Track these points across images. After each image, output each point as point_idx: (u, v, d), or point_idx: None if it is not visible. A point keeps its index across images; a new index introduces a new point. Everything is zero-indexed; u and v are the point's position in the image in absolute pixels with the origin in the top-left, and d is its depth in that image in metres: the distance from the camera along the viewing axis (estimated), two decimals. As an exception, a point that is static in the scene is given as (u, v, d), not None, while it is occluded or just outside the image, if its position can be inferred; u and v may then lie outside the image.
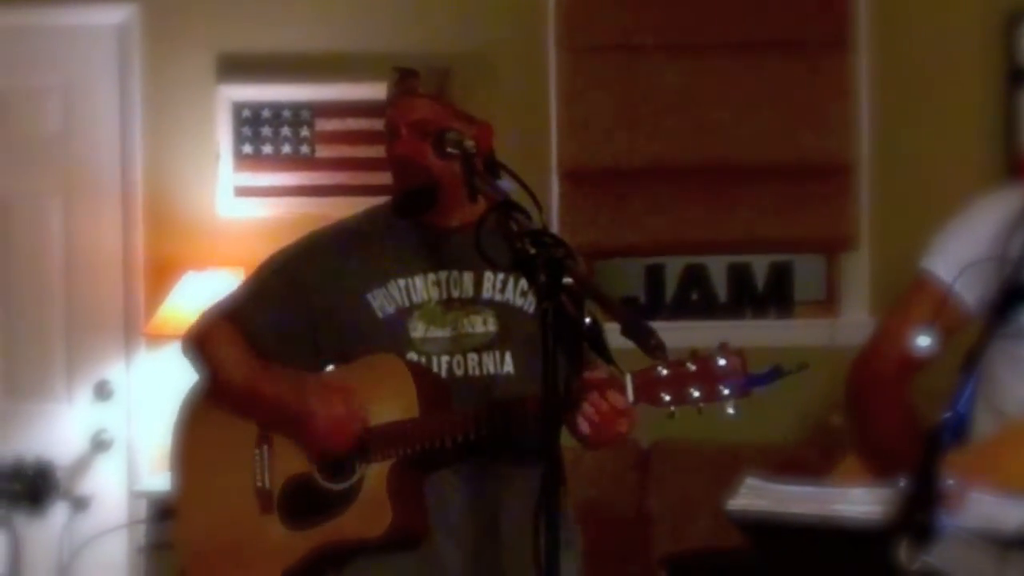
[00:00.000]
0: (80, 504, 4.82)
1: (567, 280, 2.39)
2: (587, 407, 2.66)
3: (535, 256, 2.44)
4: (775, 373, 2.66)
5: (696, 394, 2.63)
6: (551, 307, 2.36)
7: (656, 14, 5.00)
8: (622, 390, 2.66)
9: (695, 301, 5.19)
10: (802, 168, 4.99)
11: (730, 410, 2.63)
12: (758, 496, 2.16)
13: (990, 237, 2.47)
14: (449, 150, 2.78)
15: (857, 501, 2.08)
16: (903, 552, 1.97)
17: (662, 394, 2.65)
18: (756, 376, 2.65)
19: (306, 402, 2.88)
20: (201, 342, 3.05)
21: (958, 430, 2.19)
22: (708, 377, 2.63)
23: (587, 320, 2.37)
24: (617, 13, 5.01)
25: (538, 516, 2.37)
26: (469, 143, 2.77)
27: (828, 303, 5.13)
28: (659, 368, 2.64)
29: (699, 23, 4.99)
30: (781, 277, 5.19)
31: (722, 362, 2.63)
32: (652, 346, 2.33)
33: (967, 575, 1.90)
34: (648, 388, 2.65)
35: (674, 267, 5.23)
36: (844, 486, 2.20)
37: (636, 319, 2.38)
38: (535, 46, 5.04)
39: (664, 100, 4.99)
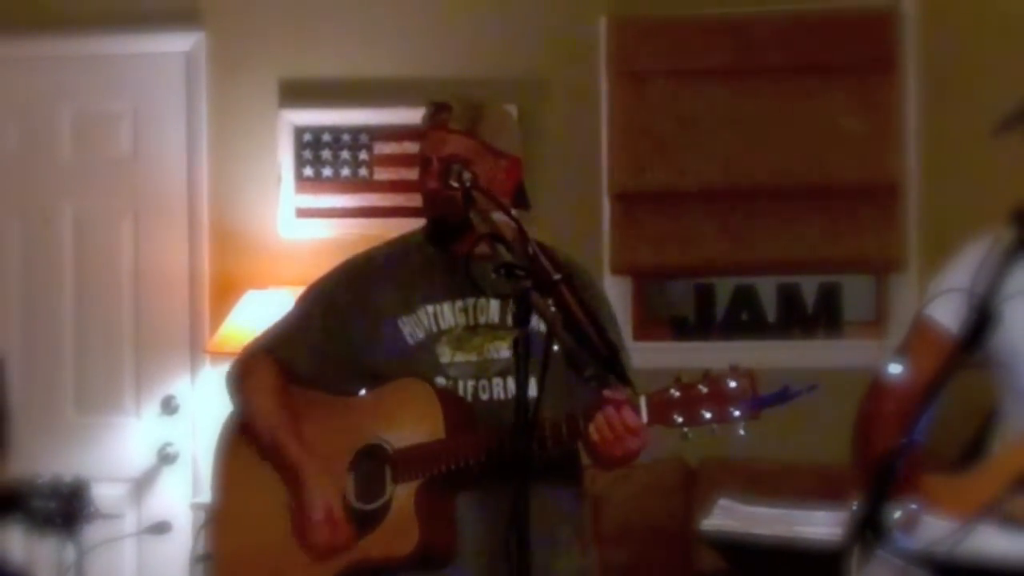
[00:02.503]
0: (160, 529, 4.98)
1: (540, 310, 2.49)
2: (600, 418, 2.74)
3: (508, 286, 2.55)
4: (785, 394, 2.71)
5: (708, 415, 2.70)
6: (521, 337, 2.45)
7: (705, 39, 5.05)
8: (637, 410, 2.74)
9: (745, 321, 5.21)
10: (851, 189, 5.00)
11: (741, 431, 2.71)
12: (729, 517, 2.24)
13: (971, 271, 2.52)
14: (451, 182, 2.88)
15: (819, 523, 2.15)
16: (853, 570, 2.04)
17: (675, 415, 2.72)
18: (765, 397, 2.70)
19: (309, 485, 3.01)
20: (240, 378, 3.18)
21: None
22: (719, 399, 2.70)
23: (555, 347, 2.45)
24: (667, 39, 5.07)
25: (509, 529, 2.47)
26: (467, 176, 2.86)
27: (877, 324, 5.13)
28: (672, 390, 2.73)
29: (747, 48, 5.02)
30: (830, 298, 5.18)
31: (733, 384, 2.70)
32: (586, 377, 2.42)
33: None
34: (661, 409, 2.73)
35: (724, 287, 5.25)
36: (820, 508, 2.27)
37: (577, 350, 2.47)
38: (587, 71, 5.10)
39: (712, 124, 5.03)
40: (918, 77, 5.00)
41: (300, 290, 4.82)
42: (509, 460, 2.82)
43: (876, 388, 2.78)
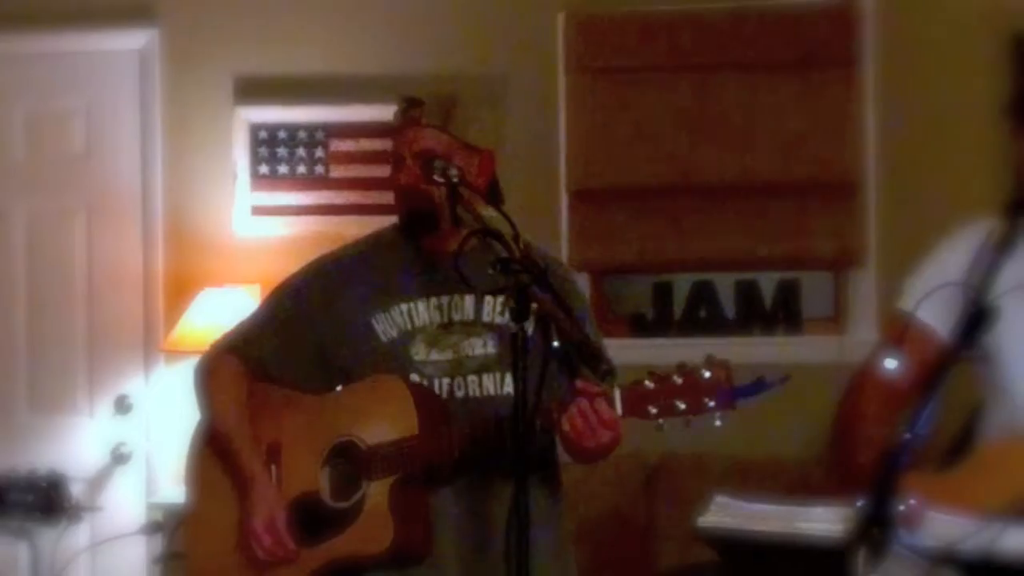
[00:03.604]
0: (152, 529, 4.92)
1: (533, 306, 2.48)
2: (573, 410, 2.73)
3: (504, 282, 2.53)
4: (760, 385, 2.73)
5: (682, 406, 2.70)
6: (520, 331, 2.44)
7: (663, 36, 5.05)
8: (611, 402, 2.74)
9: (703, 318, 5.22)
10: (810, 186, 5.03)
11: (717, 422, 2.71)
12: (726, 513, 2.23)
13: (957, 267, 2.53)
14: (435, 177, 2.86)
15: (819, 519, 2.15)
16: (859, 569, 2.04)
17: (649, 407, 2.72)
18: (741, 388, 2.71)
19: (261, 494, 3.01)
20: (205, 378, 3.16)
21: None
22: (694, 390, 2.70)
23: (555, 344, 2.44)
24: (625, 35, 5.08)
25: (510, 522, 2.46)
26: (453, 171, 2.85)
27: (836, 320, 5.16)
28: (646, 382, 2.72)
29: (706, 44, 5.04)
30: (789, 294, 5.20)
31: (707, 375, 2.70)
32: (603, 371, 2.41)
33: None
34: (636, 401, 2.73)
35: (682, 284, 5.27)
36: (819, 504, 2.27)
37: (589, 344, 2.46)
38: (545, 68, 5.10)
39: (671, 120, 5.04)
40: (876, 73, 5.03)
41: (256, 288, 4.86)
42: (484, 458, 2.84)
43: (859, 383, 2.78)
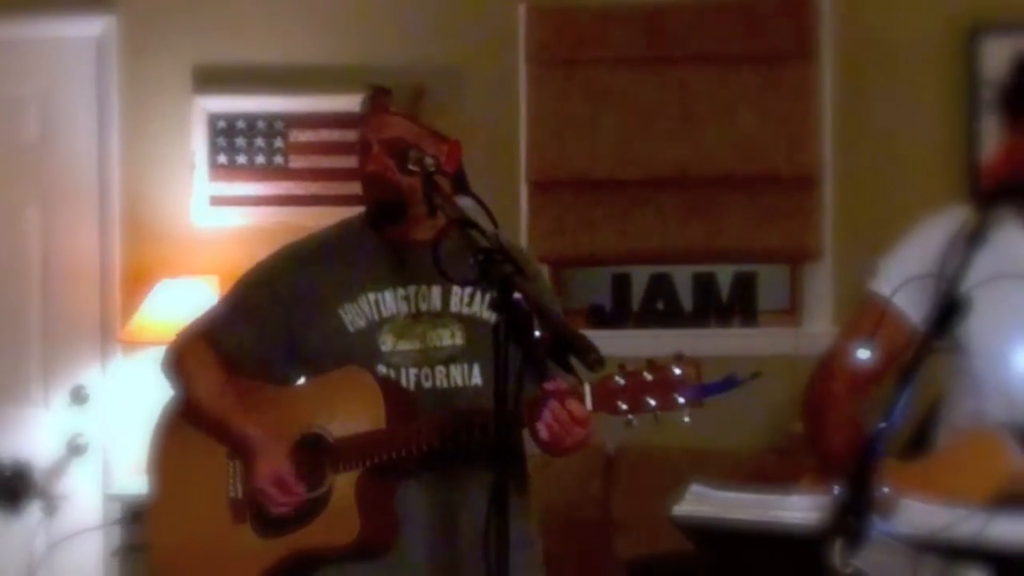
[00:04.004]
0: (58, 509, 4.91)
1: (516, 296, 2.48)
2: (547, 415, 2.74)
3: (487, 272, 2.53)
4: (729, 382, 2.75)
5: (652, 403, 2.71)
6: (502, 321, 2.44)
7: (623, 28, 5.07)
8: (581, 399, 2.74)
9: (661, 310, 5.25)
10: (767, 180, 5.06)
11: (686, 418, 2.72)
12: (702, 502, 2.25)
13: (933, 256, 2.57)
14: (410, 167, 2.86)
15: (795, 507, 2.16)
16: (836, 556, 2.06)
17: (619, 403, 2.72)
18: (711, 385, 2.73)
19: (259, 448, 2.98)
20: (177, 362, 3.14)
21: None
22: (664, 386, 2.71)
23: (537, 333, 2.44)
24: (585, 27, 5.09)
25: (488, 517, 2.46)
26: (429, 161, 2.85)
27: (791, 313, 5.20)
28: (616, 378, 2.73)
29: (665, 36, 5.05)
30: (745, 287, 5.24)
31: (678, 371, 2.71)
32: (592, 361, 2.42)
33: (887, 578, 2.00)
34: (606, 397, 2.73)
35: (640, 276, 5.30)
36: (796, 492, 2.29)
37: (577, 334, 2.47)
38: (506, 59, 5.11)
39: (631, 112, 5.06)
40: (833, 68, 5.06)
41: (214, 279, 4.84)
42: (452, 450, 2.84)
43: (826, 370, 2.81)
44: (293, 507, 2.96)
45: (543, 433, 2.76)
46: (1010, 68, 2.63)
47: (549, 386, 2.75)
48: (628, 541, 4.81)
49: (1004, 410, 2.61)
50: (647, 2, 5.09)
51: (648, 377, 2.72)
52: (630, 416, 2.73)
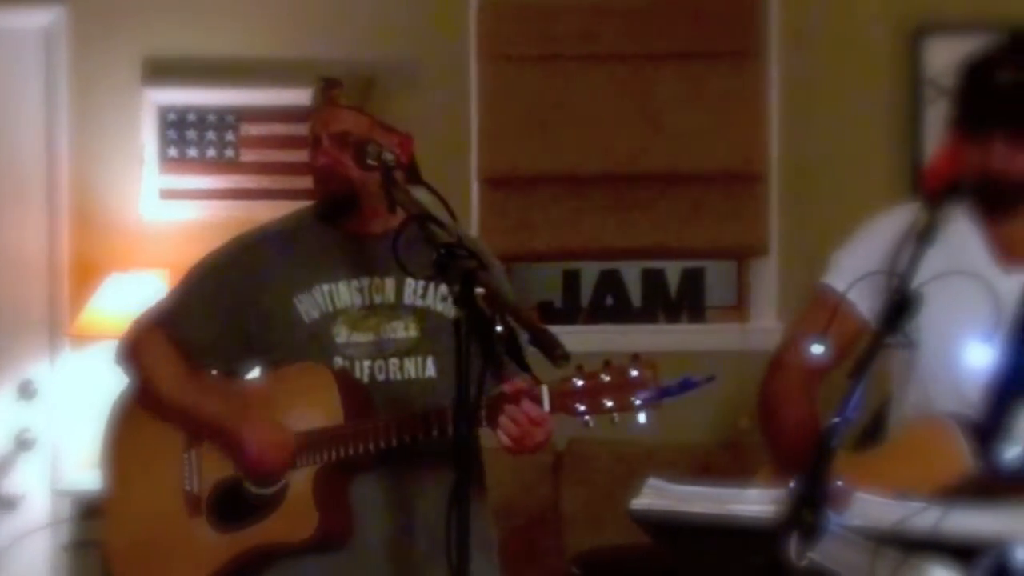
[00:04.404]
0: (6, 505, 4.88)
1: (478, 290, 2.49)
2: (505, 420, 2.75)
3: (450, 267, 2.54)
4: (686, 385, 2.77)
5: (609, 404, 2.72)
6: (464, 316, 2.46)
7: (574, 25, 5.10)
8: (538, 400, 2.76)
9: (610, 306, 5.29)
10: (715, 177, 5.10)
11: (641, 420, 2.73)
12: (660, 496, 2.28)
13: (884, 252, 2.61)
14: (369, 162, 2.86)
15: (751, 501, 2.21)
16: (792, 549, 2.10)
17: (577, 404, 2.74)
18: (668, 387, 2.74)
19: (237, 428, 2.97)
20: (133, 351, 3.12)
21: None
22: (621, 388, 2.72)
23: (499, 328, 2.46)
24: (536, 23, 5.11)
25: (449, 515, 2.47)
26: (388, 156, 2.86)
27: (738, 308, 5.25)
28: (574, 379, 2.74)
29: (615, 34, 5.09)
30: (693, 283, 5.30)
31: (635, 373, 2.72)
32: (557, 356, 2.43)
33: (845, 570, 2.03)
34: (564, 398, 2.75)
35: (590, 272, 5.34)
36: (751, 486, 2.33)
37: (543, 329, 2.49)
38: (457, 55, 5.12)
39: (582, 109, 5.09)
40: (781, 65, 5.11)
41: (164, 273, 4.82)
42: (409, 447, 2.85)
43: (778, 363, 2.85)
44: (289, 468, 2.94)
45: (502, 437, 2.77)
46: (958, 72, 2.68)
47: (507, 388, 2.76)
48: (577, 535, 4.85)
49: (953, 403, 2.65)
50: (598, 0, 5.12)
51: (605, 379, 2.73)
52: (587, 417, 2.75)
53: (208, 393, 3.04)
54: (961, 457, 2.53)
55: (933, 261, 2.52)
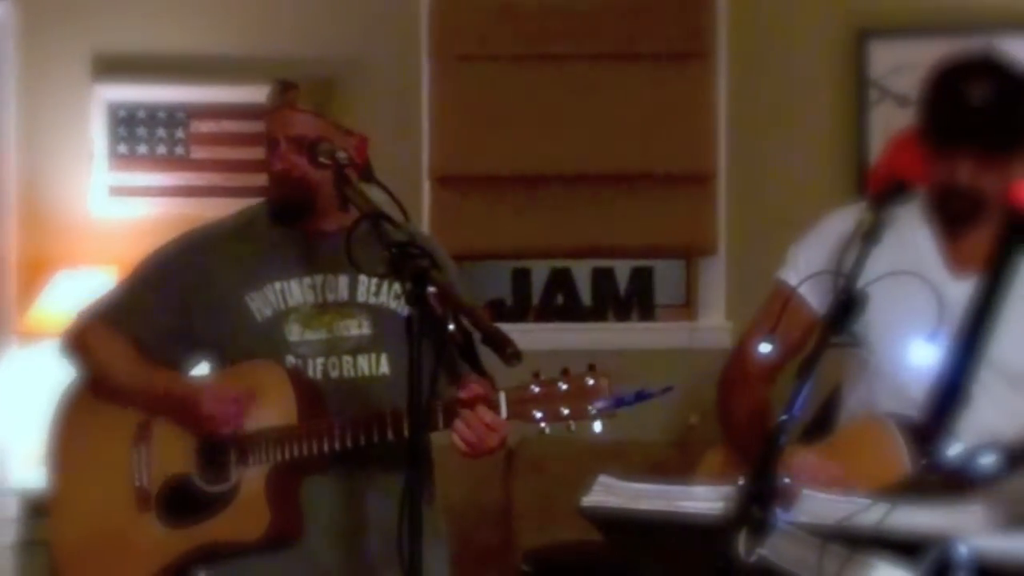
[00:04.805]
0: None
1: (430, 289, 2.51)
2: (461, 425, 2.78)
3: (402, 265, 2.56)
4: (641, 395, 2.80)
5: (566, 412, 2.76)
6: (416, 314, 2.48)
7: (526, 26, 5.12)
8: (495, 406, 2.79)
9: (560, 304, 5.32)
10: (664, 176, 5.13)
11: (597, 428, 2.78)
12: (610, 493, 2.30)
13: (833, 250, 2.65)
14: (322, 160, 2.87)
15: (701, 498, 2.23)
16: (741, 545, 2.13)
17: (534, 411, 2.78)
18: (624, 397, 2.78)
19: (194, 388, 2.98)
20: (78, 342, 3.12)
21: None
22: (578, 396, 2.76)
23: (451, 326, 2.48)
24: (488, 24, 5.13)
25: (401, 514, 2.50)
26: (342, 154, 2.87)
27: (687, 307, 5.29)
28: (532, 386, 2.77)
29: (567, 35, 5.11)
30: (643, 281, 5.33)
31: (591, 382, 2.76)
32: (509, 355, 2.46)
33: (793, 566, 2.06)
34: (521, 405, 2.78)
35: (540, 271, 5.36)
36: (700, 483, 2.36)
37: (494, 328, 2.51)
38: (409, 54, 5.13)
39: (533, 109, 5.11)
40: (729, 65, 5.15)
41: (114, 270, 4.80)
42: (362, 447, 2.87)
43: (736, 355, 2.90)
44: (241, 417, 2.94)
45: (458, 441, 2.80)
46: (927, 80, 2.70)
47: (464, 394, 2.78)
48: (529, 532, 4.86)
49: (897, 402, 2.70)
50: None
51: (563, 387, 2.76)
52: (544, 424, 2.78)
53: (161, 369, 3.04)
54: (898, 457, 2.58)
55: (884, 261, 2.56)
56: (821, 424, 2.89)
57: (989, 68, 2.65)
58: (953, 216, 2.69)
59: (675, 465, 4.70)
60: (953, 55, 2.69)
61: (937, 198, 2.69)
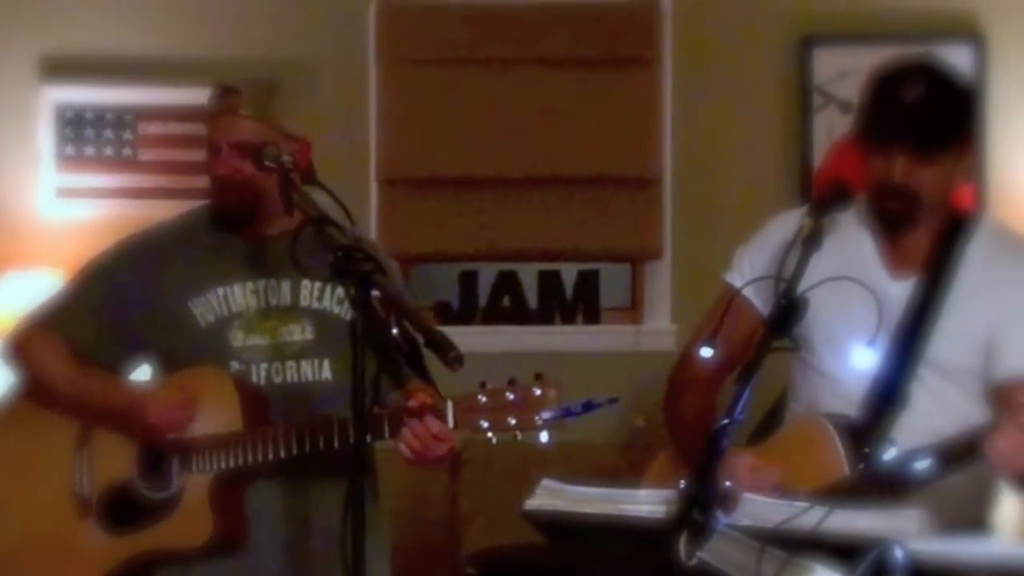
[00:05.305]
0: None
1: (374, 293, 2.53)
2: (407, 434, 2.79)
3: (346, 269, 2.57)
4: (588, 406, 2.83)
5: (513, 422, 2.79)
6: (360, 319, 2.49)
7: (473, 29, 5.13)
8: (442, 416, 2.80)
9: (507, 307, 5.34)
10: (610, 180, 5.16)
11: (544, 439, 2.81)
12: (553, 496, 2.33)
13: (776, 254, 2.69)
14: (267, 163, 2.88)
15: (643, 501, 2.27)
16: (682, 548, 2.16)
17: (481, 421, 2.80)
18: (570, 408, 2.81)
19: (138, 397, 2.98)
20: (21, 349, 3.12)
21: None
22: (525, 407, 2.78)
23: (395, 331, 2.50)
24: (436, 26, 5.14)
25: (345, 519, 2.51)
26: (286, 158, 2.88)
27: (633, 310, 5.32)
28: (479, 396, 2.79)
29: (514, 38, 5.12)
30: (589, 285, 5.36)
31: (539, 392, 2.78)
32: (451, 358, 2.48)
33: (733, 569, 2.10)
34: (468, 415, 2.80)
35: (487, 274, 5.38)
36: (643, 487, 2.39)
37: (437, 332, 2.53)
38: (356, 56, 5.13)
39: (479, 112, 5.13)
40: (674, 72, 5.18)
41: (62, 272, 4.77)
42: (307, 455, 2.88)
43: (683, 357, 2.94)
44: (184, 422, 2.94)
45: (404, 450, 2.81)
46: (866, 84, 2.76)
47: (412, 403, 2.79)
48: (474, 534, 4.87)
49: (838, 405, 2.74)
50: (496, 4, 5.16)
51: (510, 397, 2.78)
52: (490, 434, 2.80)
53: (103, 377, 3.04)
54: (835, 457, 2.62)
55: (825, 266, 2.61)
56: (770, 427, 2.94)
57: (924, 70, 2.73)
58: (889, 216, 2.74)
59: (621, 468, 4.74)
60: (891, 60, 2.76)
61: (873, 198, 2.74)
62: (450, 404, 2.79)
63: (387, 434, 2.80)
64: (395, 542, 3.32)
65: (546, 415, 2.77)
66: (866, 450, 2.61)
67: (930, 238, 2.77)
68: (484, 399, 2.78)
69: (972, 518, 2.73)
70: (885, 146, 2.68)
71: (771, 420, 2.94)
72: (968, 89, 2.77)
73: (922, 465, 2.50)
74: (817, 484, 2.55)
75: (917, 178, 2.68)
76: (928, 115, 2.67)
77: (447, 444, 2.83)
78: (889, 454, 2.57)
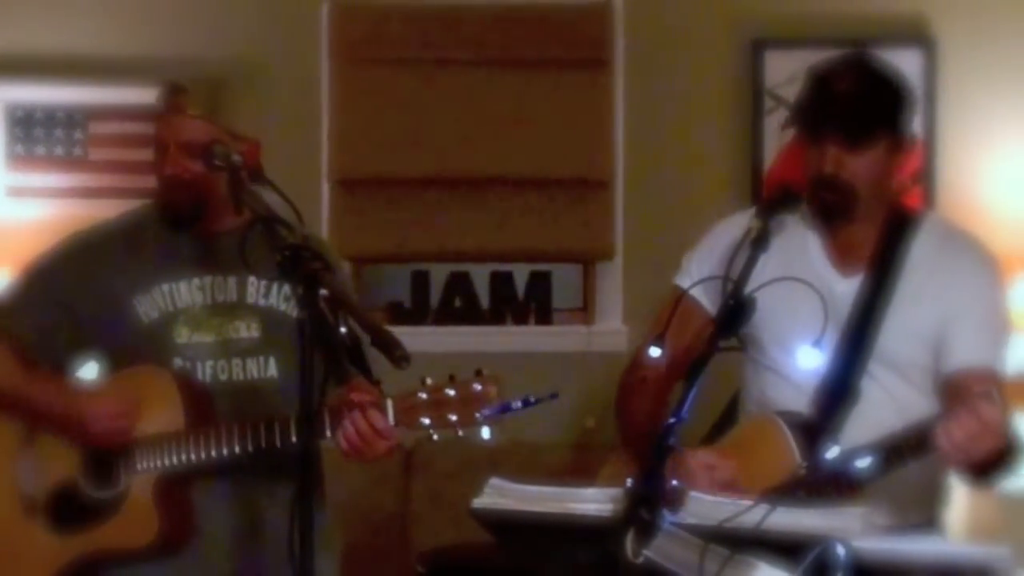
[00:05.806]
0: None
1: (322, 292, 2.53)
2: (347, 426, 2.78)
3: (294, 268, 2.57)
4: (528, 402, 2.83)
5: (454, 418, 2.78)
6: (307, 317, 2.49)
7: (426, 29, 5.14)
8: (384, 412, 2.80)
9: (459, 307, 5.35)
10: (562, 182, 5.18)
11: (485, 435, 2.80)
12: (501, 495, 2.35)
13: (725, 256, 2.72)
14: (216, 162, 2.88)
15: (590, 500, 2.28)
16: (628, 546, 2.18)
17: (422, 418, 2.79)
18: (510, 403, 2.81)
19: (79, 402, 2.96)
20: None
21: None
22: (466, 403, 2.78)
23: (343, 329, 2.50)
24: (388, 26, 5.14)
25: (292, 518, 2.51)
26: (236, 157, 2.87)
27: (584, 311, 5.34)
28: (419, 393, 2.78)
29: (467, 39, 5.14)
30: (540, 286, 5.37)
31: (479, 388, 2.78)
32: (397, 357, 2.48)
33: (678, 567, 2.12)
34: (408, 412, 2.80)
35: (439, 274, 5.38)
36: (591, 485, 2.41)
37: (383, 330, 2.53)
38: (308, 56, 5.13)
39: (432, 113, 5.13)
40: (626, 74, 5.20)
41: (9, 271, 4.74)
42: (252, 454, 2.88)
43: (634, 359, 2.96)
44: (127, 428, 2.93)
45: (344, 444, 2.80)
46: (803, 83, 2.80)
47: (354, 397, 2.79)
48: (424, 533, 4.88)
49: (788, 404, 2.77)
50: (449, 4, 5.16)
51: (450, 393, 2.78)
52: (431, 431, 2.80)
53: (46, 380, 3.02)
54: (788, 454, 2.65)
55: (773, 267, 2.63)
56: (725, 427, 2.96)
57: (857, 64, 2.78)
58: (825, 208, 2.77)
59: (572, 468, 4.76)
60: (828, 58, 2.80)
61: (810, 192, 2.77)
62: (390, 402, 2.79)
63: (327, 433, 2.79)
64: (346, 541, 3.32)
65: (486, 411, 2.77)
66: (819, 445, 2.63)
67: (875, 234, 2.80)
68: (424, 396, 2.78)
69: (924, 517, 2.76)
70: (819, 138, 2.73)
71: (726, 420, 2.96)
72: (900, 82, 2.79)
73: (863, 463, 2.52)
74: (772, 482, 2.57)
75: (848, 167, 2.72)
76: (856, 105, 2.72)
77: (389, 442, 2.82)
78: (831, 452, 2.59)
